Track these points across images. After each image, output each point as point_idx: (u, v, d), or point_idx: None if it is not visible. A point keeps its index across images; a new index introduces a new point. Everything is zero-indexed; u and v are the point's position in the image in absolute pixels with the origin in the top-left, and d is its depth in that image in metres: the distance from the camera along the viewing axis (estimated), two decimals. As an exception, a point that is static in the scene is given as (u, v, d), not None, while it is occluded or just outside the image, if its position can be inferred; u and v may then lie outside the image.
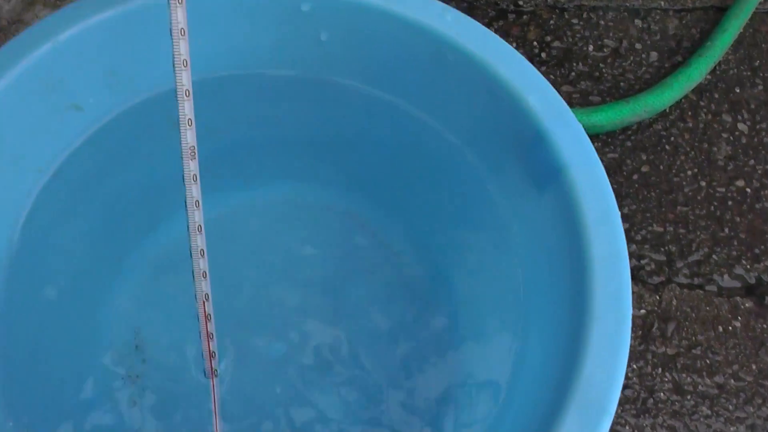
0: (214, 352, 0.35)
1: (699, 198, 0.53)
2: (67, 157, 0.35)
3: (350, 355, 0.40)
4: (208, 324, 0.34)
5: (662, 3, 0.60)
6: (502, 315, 0.35)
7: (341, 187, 0.43)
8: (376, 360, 0.40)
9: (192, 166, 0.31)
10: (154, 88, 0.36)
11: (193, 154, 0.30)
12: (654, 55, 0.58)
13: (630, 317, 0.27)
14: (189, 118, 0.30)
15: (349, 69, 0.36)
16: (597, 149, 0.36)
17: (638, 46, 0.58)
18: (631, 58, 0.58)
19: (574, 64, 0.58)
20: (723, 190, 0.54)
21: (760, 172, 0.54)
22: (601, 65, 0.57)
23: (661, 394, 0.47)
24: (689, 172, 0.55)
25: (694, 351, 0.49)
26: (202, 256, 0.32)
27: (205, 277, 0.33)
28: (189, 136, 0.30)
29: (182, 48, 0.29)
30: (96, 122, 0.35)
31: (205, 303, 0.33)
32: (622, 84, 0.57)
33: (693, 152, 0.55)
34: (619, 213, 0.29)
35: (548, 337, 0.30)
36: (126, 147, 0.37)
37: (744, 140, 0.56)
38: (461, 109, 0.34)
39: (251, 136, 0.40)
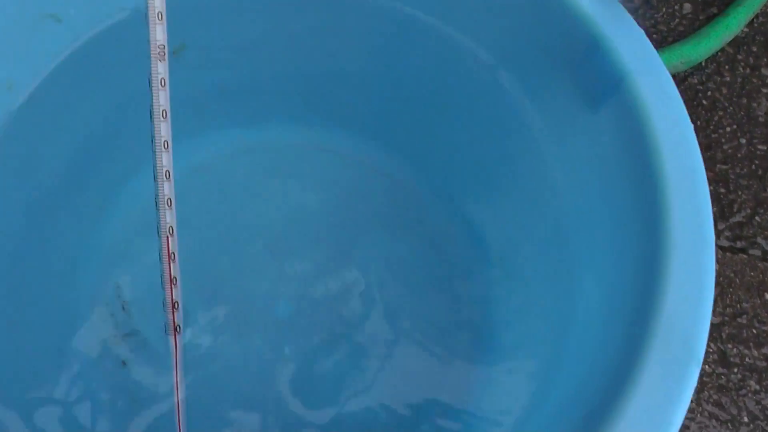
0: (176, 302, 0.30)
1: (739, 156, 0.49)
2: (44, 79, 0.30)
3: (370, 321, 0.36)
4: (171, 265, 0.29)
5: (694, -48, 0.56)
6: (546, 263, 0.31)
7: (350, 128, 0.38)
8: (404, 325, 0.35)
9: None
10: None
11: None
12: (687, 6, 0.54)
13: (713, 241, 0.22)
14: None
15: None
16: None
17: (670, -4, 0.54)
18: (664, 9, 0.54)
19: (602, 15, 0.53)
20: (764, 147, 0.49)
21: (805, 127, 0.50)
22: (632, 16, 0.53)
23: (706, 366, 0.43)
24: (728, 129, 0.50)
25: (739, 320, 0.44)
26: (167, 178, 0.27)
27: (170, 206, 0.28)
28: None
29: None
30: (76, 38, 0.30)
31: (169, 238, 0.29)
32: (654, 36, 0.53)
33: (732, 108, 0.51)
34: (691, 124, 0.24)
35: (609, 277, 0.25)
36: (111, 71, 0.32)
37: (786, 95, 0.51)
38: (496, 20, 0.29)
39: (249, 66, 0.36)
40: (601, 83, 0.26)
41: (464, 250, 0.37)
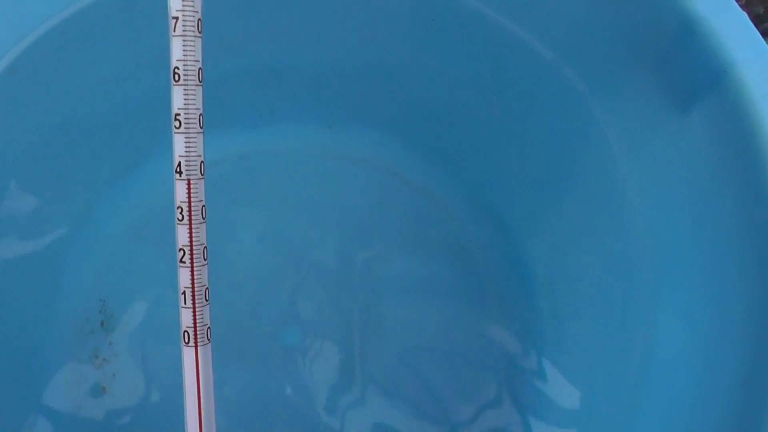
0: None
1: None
2: (27, 47, 0.25)
3: (386, 357, 0.31)
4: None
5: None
6: (608, 297, 0.26)
7: (378, 129, 0.34)
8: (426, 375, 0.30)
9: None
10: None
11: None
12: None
13: None
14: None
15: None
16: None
17: None
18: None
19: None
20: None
21: None
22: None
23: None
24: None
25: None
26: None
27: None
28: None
29: None
30: (69, 3, 0.26)
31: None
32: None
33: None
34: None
35: (703, 320, 0.20)
36: (107, 44, 0.27)
37: None
38: (562, 5, 0.25)
39: (268, 57, 0.31)
40: (694, 77, 0.21)
41: (503, 276, 0.32)
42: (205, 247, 0.21)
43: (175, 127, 0.19)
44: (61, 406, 0.29)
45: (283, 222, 0.34)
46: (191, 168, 0.19)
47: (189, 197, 0.20)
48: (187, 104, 0.19)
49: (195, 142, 0.19)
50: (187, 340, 0.21)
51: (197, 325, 0.21)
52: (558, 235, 0.30)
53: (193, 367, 0.22)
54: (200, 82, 0.19)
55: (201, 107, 0.19)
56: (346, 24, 0.29)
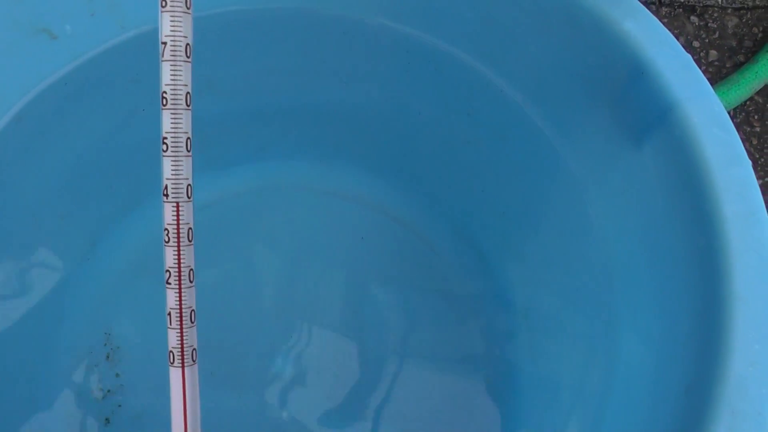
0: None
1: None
2: (33, 98, 0.27)
3: (375, 384, 0.32)
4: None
5: (719, 0, 0.54)
6: (578, 319, 0.28)
7: (361, 168, 0.35)
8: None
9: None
10: (150, 22, 0.29)
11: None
12: (713, 53, 0.52)
13: (787, 296, 0.19)
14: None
15: (376, 2, 0.29)
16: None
17: (696, 44, 0.52)
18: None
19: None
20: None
21: (844, 181, 0.47)
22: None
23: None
24: (759, 182, 0.47)
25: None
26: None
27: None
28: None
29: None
30: (73, 58, 0.28)
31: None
32: (679, 82, 0.51)
33: (762, 159, 0.48)
34: (749, 160, 0.21)
35: (657, 336, 0.22)
36: (108, 95, 0.29)
37: (822, 147, 0.49)
38: (523, 49, 0.27)
39: (253, 99, 0.33)
40: (645, 114, 0.23)
41: (483, 303, 0.33)
42: (192, 269, 0.21)
43: (162, 150, 0.19)
44: None
45: (272, 255, 0.35)
46: (179, 191, 0.19)
47: (177, 219, 0.20)
48: (176, 128, 0.19)
49: (182, 166, 0.19)
50: (172, 361, 0.22)
51: (184, 346, 0.22)
52: (533, 263, 0.32)
53: (179, 387, 0.22)
54: (188, 106, 0.19)
55: (189, 131, 0.19)
56: (328, 67, 0.31)
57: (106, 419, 0.31)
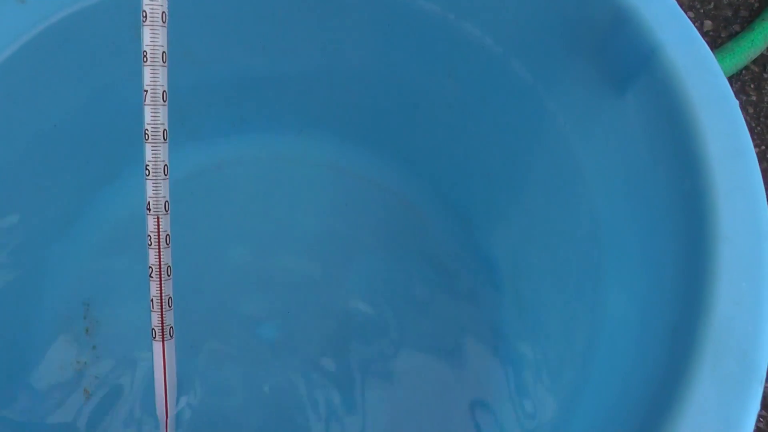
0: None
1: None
2: (3, 61, 0.27)
3: (362, 349, 0.32)
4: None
5: (713, -30, 0.54)
6: (567, 275, 0.27)
7: (344, 135, 0.35)
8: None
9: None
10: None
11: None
12: (708, 23, 0.51)
13: (771, 234, 0.18)
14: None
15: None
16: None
17: (690, 14, 0.51)
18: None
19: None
20: (796, 170, 0.46)
21: (843, 148, 0.46)
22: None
23: None
24: (756, 150, 0.46)
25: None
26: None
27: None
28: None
29: None
30: (41, 20, 0.27)
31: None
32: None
33: (759, 128, 0.47)
34: (736, 100, 0.21)
35: (643, 281, 0.21)
36: (81, 59, 0.29)
37: (820, 114, 0.48)
38: (507, 1, 0.26)
39: (235, 66, 0.32)
40: (628, 60, 0.23)
41: (470, 268, 0.33)
42: (169, 266, 0.25)
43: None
44: (45, 409, 0.29)
45: (255, 225, 0.35)
46: (158, 206, 0.24)
47: (158, 229, 0.24)
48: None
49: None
50: (154, 336, 0.26)
51: (164, 324, 0.26)
52: (519, 224, 0.31)
53: (160, 356, 0.26)
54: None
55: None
56: (308, 34, 0.31)
57: (85, 390, 0.30)
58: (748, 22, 0.51)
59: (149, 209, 0.24)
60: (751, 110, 0.48)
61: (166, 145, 0.23)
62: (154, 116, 0.23)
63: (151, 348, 0.30)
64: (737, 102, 0.21)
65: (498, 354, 0.30)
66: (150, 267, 0.24)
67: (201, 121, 0.35)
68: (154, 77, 0.23)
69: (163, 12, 0.22)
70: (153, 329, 0.25)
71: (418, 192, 0.34)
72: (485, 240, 0.33)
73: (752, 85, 0.49)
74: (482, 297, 0.32)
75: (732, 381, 0.16)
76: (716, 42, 0.50)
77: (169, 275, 0.25)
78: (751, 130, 0.47)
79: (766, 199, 0.19)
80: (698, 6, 0.51)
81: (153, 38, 0.22)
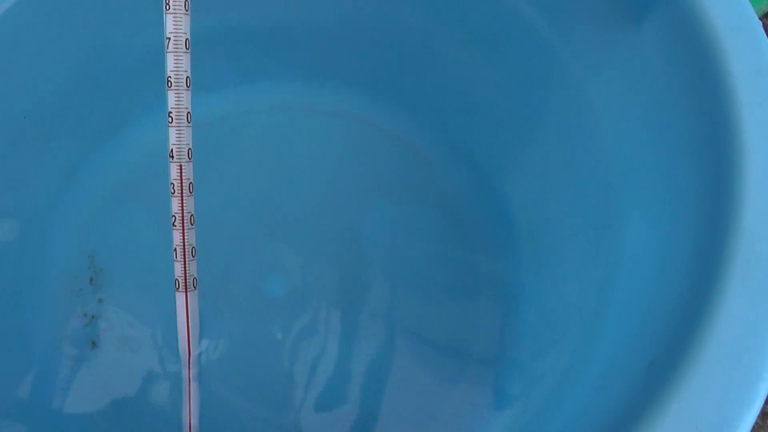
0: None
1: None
2: (8, 8, 0.26)
3: (375, 302, 0.31)
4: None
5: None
6: (584, 217, 0.27)
7: (350, 83, 0.34)
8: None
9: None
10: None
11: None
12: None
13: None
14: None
15: None
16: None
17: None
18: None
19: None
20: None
21: None
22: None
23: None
24: None
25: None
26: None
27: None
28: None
29: None
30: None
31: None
32: None
33: None
34: (759, 21, 0.20)
35: (665, 208, 0.21)
36: (92, 7, 0.28)
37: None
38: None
39: (239, 14, 0.32)
40: (642, -10, 0.22)
41: (483, 216, 0.32)
42: (192, 215, 0.25)
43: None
44: (53, 361, 0.29)
45: (264, 176, 0.34)
46: (182, 154, 0.24)
47: (181, 176, 0.24)
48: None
49: (184, 134, 0.24)
50: (178, 287, 0.25)
51: (186, 275, 0.25)
52: (533, 171, 0.31)
53: (183, 307, 0.26)
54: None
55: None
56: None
57: (93, 342, 0.30)
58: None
59: (172, 157, 0.24)
60: None
61: (189, 92, 0.23)
62: (177, 64, 0.23)
63: (158, 299, 0.31)
64: (760, 22, 0.20)
65: (513, 301, 0.30)
66: (173, 216, 0.24)
67: (207, 72, 0.35)
68: (177, 24, 0.23)
69: (187, 1, 0.23)
70: (176, 280, 0.25)
71: (429, 140, 0.34)
72: (499, 187, 0.32)
73: None
74: (496, 245, 0.32)
75: (764, 289, 0.16)
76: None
77: (192, 224, 0.25)
78: None
79: (791, 115, 0.18)
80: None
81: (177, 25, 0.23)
